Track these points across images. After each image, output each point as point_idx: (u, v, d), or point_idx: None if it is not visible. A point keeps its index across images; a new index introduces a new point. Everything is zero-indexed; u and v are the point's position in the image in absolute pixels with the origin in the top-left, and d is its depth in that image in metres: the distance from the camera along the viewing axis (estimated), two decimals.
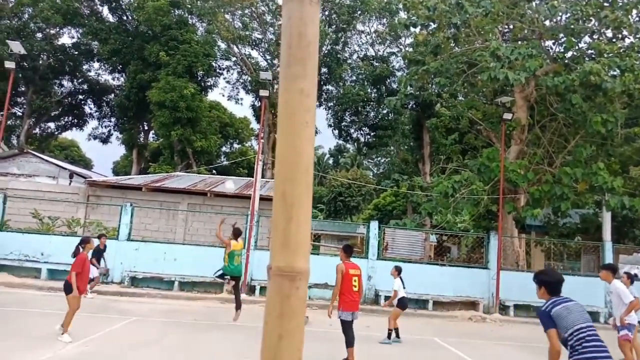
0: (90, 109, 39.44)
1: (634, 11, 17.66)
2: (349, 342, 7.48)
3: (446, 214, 15.98)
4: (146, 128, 36.71)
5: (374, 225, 16.61)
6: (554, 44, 19.29)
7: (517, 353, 10.21)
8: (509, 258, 16.20)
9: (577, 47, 17.80)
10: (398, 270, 10.47)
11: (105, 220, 17.97)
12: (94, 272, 12.84)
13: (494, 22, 18.21)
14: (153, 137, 38.04)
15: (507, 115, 16.96)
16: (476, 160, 17.95)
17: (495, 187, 16.84)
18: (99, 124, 39.19)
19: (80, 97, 39.32)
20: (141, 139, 36.90)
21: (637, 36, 17.78)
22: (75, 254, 8.76)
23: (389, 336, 9.89)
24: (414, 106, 27.35)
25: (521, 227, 18.33)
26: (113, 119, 38.30)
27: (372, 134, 32.76)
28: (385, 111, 31.70)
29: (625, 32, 18.08)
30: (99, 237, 14.29)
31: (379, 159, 38.38)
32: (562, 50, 18.23)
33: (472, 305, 15.67)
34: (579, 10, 16.99)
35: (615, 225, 16.99)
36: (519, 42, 18.06)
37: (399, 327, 10.17)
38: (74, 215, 18.60)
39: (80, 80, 38.51)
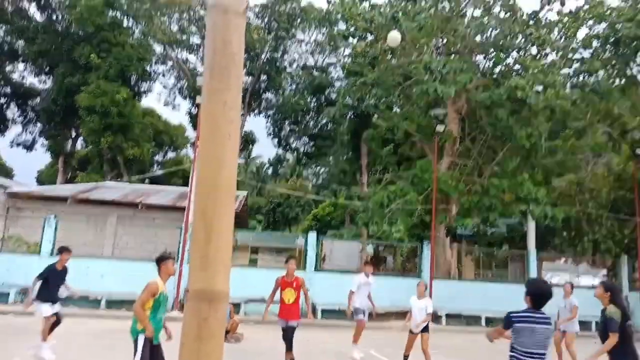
0: (13, 113, 36.93)
1: (556, 30, 18.83)
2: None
3: (382, 224, 16.23)
4: (74, 135, 34.84)
5: (312, 236, 16.56)
6: (484, 58, 20.20)
7: None
8: (441, 267, 16.66)
9: (505, 63, 18.72)
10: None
11: (28, 235, 16.83)
12: (44, 309, 8.72)
13: (428, 36, 18.81)
14: (81, 145, 36.11)
15: (440, 128, 17.51)
16: (410, 171, 18.41)
17: (429, 197, 17.31)
18: (22, 129, 36.78)
19: (2, 100, 36.75)
20: (68, 146, 34.99)
21: (559, 54, 18.98)
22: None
23: None
24: (352, 117, 27.71)
25: (452, 236, 18.94)
26: (38, 125, 36.05)
27: (311, 143, 32.88)
28: (324, 121, 31.91)
29: (548, 50, 19.24)
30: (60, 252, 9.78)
31: (318, 169, 38.61)
32: (491, 65, 19.11)
33: (406, 315, 15.90)
34: (507, 27, 17.89)
35: (539, 234, 17.91)
36: (452, 56, 18.74)
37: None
38: None
39: (2, 82, 36.01)
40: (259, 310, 15.18)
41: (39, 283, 8.71)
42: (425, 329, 9.17)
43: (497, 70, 18.99)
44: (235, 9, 1.80)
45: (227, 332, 11.41)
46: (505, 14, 18.72)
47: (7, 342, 10.26)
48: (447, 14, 19.46)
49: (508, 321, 4.27)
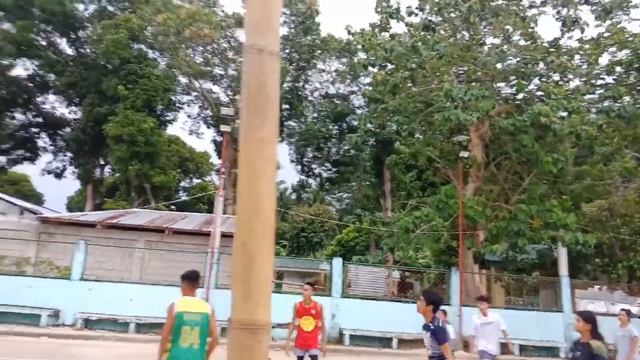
0: (45, 142, 38.20)
1: (577, 56, 18.89)
2: None
3: (408, 249, 16.15)
4: (102, 163, 35.77)
5: (338, 262, 16.52)
6: (506, 85, 20.29)
7: None
8: (470, 294, 16.41)
9: (527, 89, 18.78)
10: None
11: (58, 259, 17.13)
12: None
13: (449, 64, 19.03)
14: (109, 172, 37.02)
15: (464, 153, 17.52)
16: (435, 197, 18.35)
17: (455, 223, 17.19)
18: (53, 158, 37.94)
19: (34, 130, 38.05)
20: (97, 173, 35.85)
21: (582, 80, 18.98)
22: None
23: None
24: (374, 143, 27.90)
25: (481, 262, 18.69)
26: (68, 153, 37.13)
27: (334, 169, 33.12)
28: (346, 147, 32.17)
29: (570, 76, 19.27)
30: None
31: (341, 194, 38.73)
32: (513, 92, 19.18)
33: None
34: (527, 55, 18.02)
35: (571, 260, 17.56)
36: (473, 84, 18.88)
37: None
38: (23, 254, 17.66)
39: (34, 113, 37.36)
40: (284, 335, 15.13)
41: None
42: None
43: (519, 96, 19.03)
44: (270, 50, 1.87)
45: None
46: (526, 42, 18.90)
47: None
48: (467, 43, 19.71)
49: (445, 331, 5.09)
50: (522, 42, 19.05)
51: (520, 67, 18.24)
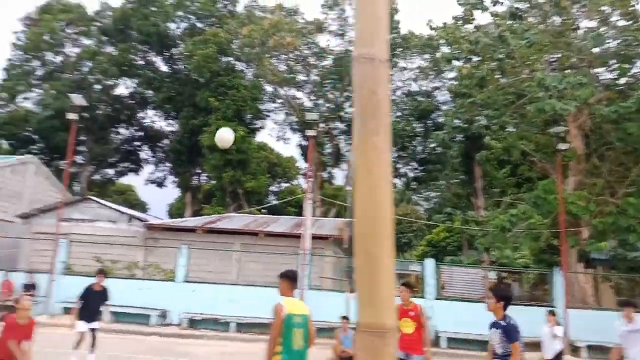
0: (146, 154, 41.38)
1: None
2: None
3: (504, 249, 15.46)
4: (199, 171, 37.95)
5: (430, 263, 16.23)
6: (605, 70, 18.81)
7: None
8: (575, 295, 15.39)
9: (630, 73, 17.28)
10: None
11: (163, 262, 18.42)
12: (79, 325, 10.02)
13: (540, 52, 18.00)
14: (205, 180, 39.25)
15: (562, 146, 16.47)
16: (532, 193, 17.42)
17: (555, 220, 16.21)
18: (154, 168, 40.97)
19: (136, 143, 41.37)
20: (194, 181, 38.11)
21: None
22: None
23: None
24: (462, 139, 27.06)
25: (586, 261, 17.44)
26: (168, 164, 39.90)
27: (420, 168, 32.54)
28: (432, 145, 31.50)
29: None
30: (96, 274, 11.07)
31: (428, 193, 37.98)
32: (614, 77, 17.75)
33: (538, 346, 14.84)
34: (628, 36, 16.59)
35: None
36: (568, 71, 17.72)
37: None
38: (133, 258, 19.21)
39: (135, 127, 40.62)
40: None
41: (80, 303, 10.20)
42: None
43: (622, 81, 17.55)
44: (380, 57, 1.89)
45: (351, 357, 11.48)
46: (626, 22, 17.38)
47: None
48: (558, 28, 18.52)
49: (517, 331, 4.94)
50: (621, 23, 17.57)
51: (621, 50, 16.84)
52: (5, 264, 19.49)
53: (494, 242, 15.91)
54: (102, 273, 10.93)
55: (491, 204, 24.27)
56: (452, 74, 32.84)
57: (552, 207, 16.10)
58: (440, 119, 30.82)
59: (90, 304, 10.29)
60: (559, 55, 18.88)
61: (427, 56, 34.02)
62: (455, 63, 21.24)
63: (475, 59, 19.76)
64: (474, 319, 15.10)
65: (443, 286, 17.88)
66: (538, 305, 16.07)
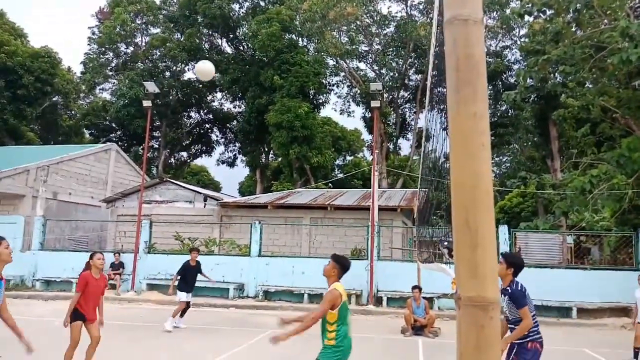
0: (217, 136, 42.93)
1: None
2: None
3: (584, 212, 14.61)
4: (266, 149, 38.84)
5: (504, 229, 15.77)
6: None
7: None
8: None
9: None
10: None
11: (238, 238, 19.21)
12: (182, 296, 11.51)
13: None
14: (272, 157, 40.14)
15: None
16: (615, 152, 16.19)
17: None
18: (225, 149, 42.41)
19: (207, 126, 42.94)
20: (262, 159, 39.08)
21: None
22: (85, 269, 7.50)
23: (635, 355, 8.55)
24: (535, 99, 25.59)
25: None
26: (237, 144, 41.14)
27: (490, 132, 31.23)
28: (503, 108, 30.08)
29: None
30: (190, 252, 12.50)
31: (500, 157, 36.41)
32: None
33: (623, 311, 14.08)
34: None
35: None
36: None
37: None
38: (210, 235, 20.18)
39: (205, 110, 42.08)
40: (451, 304, 14.97)
41: (178, 277, 11.62)
42: None
43: None
44: (475, 18, 1.78)
45: (424, 326, 11.51)
46: None
47: (231, 333, 11.80)
48: None
49: (524, 296, 4.86)
50: None
51: None
52: (94, 245, 21.26)
53: (573, 205, 15.05)
54: (196, 250, 12.36)
55: (568, 166, 22.86)
56: (522, 31, 30.99)
57: (638, 166, 14.93)
58: (512, 80, 29.27)
59: (188, 278, 11.63)
60: None
61: (494, 14, 32.25)
62: (527, 18, 19.93)
63: (548, 12, 18.44)
64: (553, 285, 14.61)
65: (519, 252, 17.27)
66: (622, 270, 15.18)
